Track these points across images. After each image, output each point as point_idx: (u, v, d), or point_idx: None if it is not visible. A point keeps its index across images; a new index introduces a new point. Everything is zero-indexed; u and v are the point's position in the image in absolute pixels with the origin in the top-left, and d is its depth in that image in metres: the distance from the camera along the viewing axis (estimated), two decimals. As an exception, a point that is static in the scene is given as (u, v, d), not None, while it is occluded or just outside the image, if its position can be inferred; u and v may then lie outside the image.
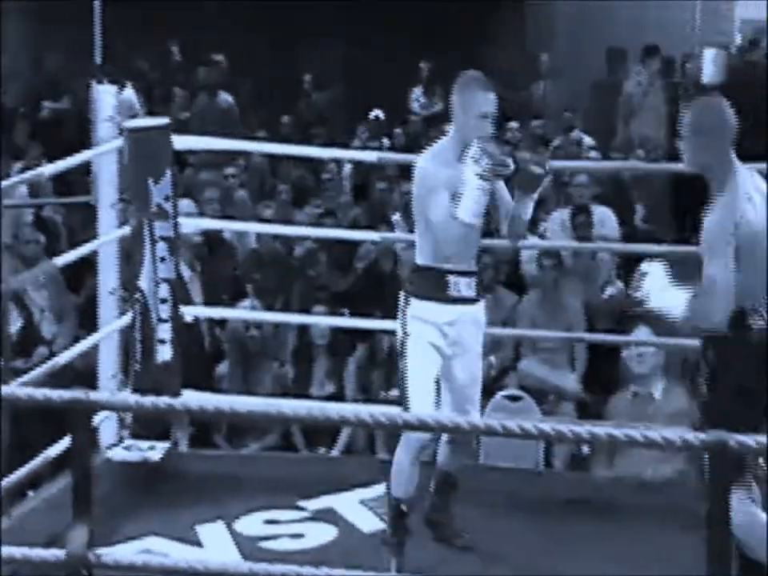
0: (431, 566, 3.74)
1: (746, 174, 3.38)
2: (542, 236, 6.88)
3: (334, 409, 2.94)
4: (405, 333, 3.68)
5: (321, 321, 5.79)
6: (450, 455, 3.89)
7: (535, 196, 3.62)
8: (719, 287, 3.20)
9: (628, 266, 6.40)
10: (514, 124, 8.80)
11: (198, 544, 4.06)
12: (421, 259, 3.66)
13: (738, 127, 3.39)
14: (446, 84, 10.91)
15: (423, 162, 3.62)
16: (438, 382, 3.70)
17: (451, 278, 3.62)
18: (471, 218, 3.50)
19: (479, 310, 3.73)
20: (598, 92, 9.26)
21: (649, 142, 8.15)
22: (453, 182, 3.51)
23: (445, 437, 3.84)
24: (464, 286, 3.64)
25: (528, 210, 3.64)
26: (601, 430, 2.57)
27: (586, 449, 5.28)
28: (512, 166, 3.51)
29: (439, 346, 3.66)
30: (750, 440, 2.37)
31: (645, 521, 4.11)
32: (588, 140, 8.40)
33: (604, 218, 6.87)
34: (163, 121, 4.95)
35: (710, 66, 9.10)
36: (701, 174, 3.45)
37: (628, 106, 8.65)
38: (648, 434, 2.60)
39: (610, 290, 6.18)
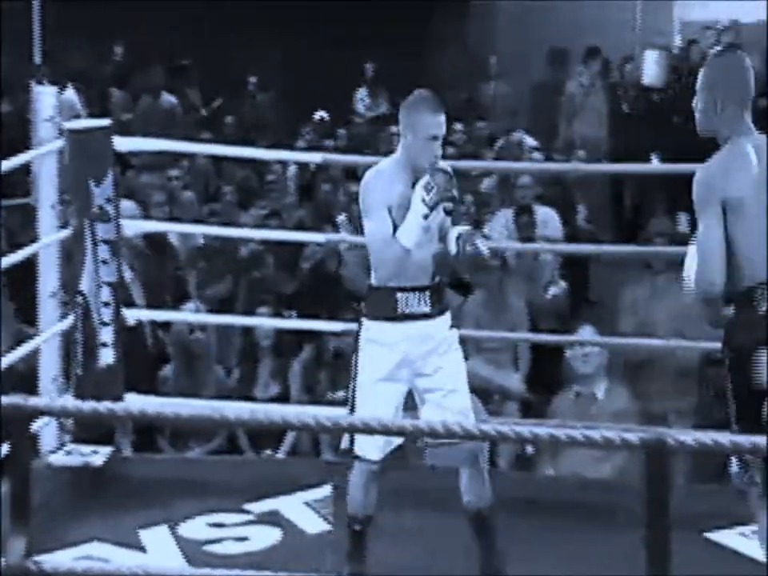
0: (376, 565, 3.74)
1: (754, 142, 3.24)
2: (485, 236, 6.91)
3: (278, 412, 2.95)
4: (357, 357, 3.59)
5: (266, 322, 5.77)
6: (473, 491, 3.64)
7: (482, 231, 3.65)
8: (703, 248, 3.08)
9: (571, 266, 6.46)
10: (458, 125, 8.84)
11: (142, 549, 4.03)
12: (373, 279, 3.58)
13: (751, 89, 3.28)
14: (391, 85, 10.96)
15: (366, 179, 3.55)
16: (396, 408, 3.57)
17: (400, 295, 3.52)
18: (411, 244, 3.43)
19: (438, 324, 3.58)
20: (540, 93, 9.32)
21: (590, 143, 8.24)
22: (394, 202, 3.45)
23: (463, 476, 3.63)
24: (415, 302, 3.53)
25: (484, 246, 3.52)
26: (542, 429, 2.59)
27: (530, 449, 5.31)
28: (456, 201, 3.50)
29: (397, 371, 3.53)
30: (689, 438, 2.40)
31: (587, 519, 4.15)
32: (530, 141, 8.45)
33: (547, 218, 6.92)
34: (104, 122, 4.91)
35: (651, 67, 9.20)
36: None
37: (570, 107, 8.72)
38: (588, 433, 2.62)
39: (553, 290, 6.22)
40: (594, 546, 3.95)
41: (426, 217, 3.41)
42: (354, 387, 3.58)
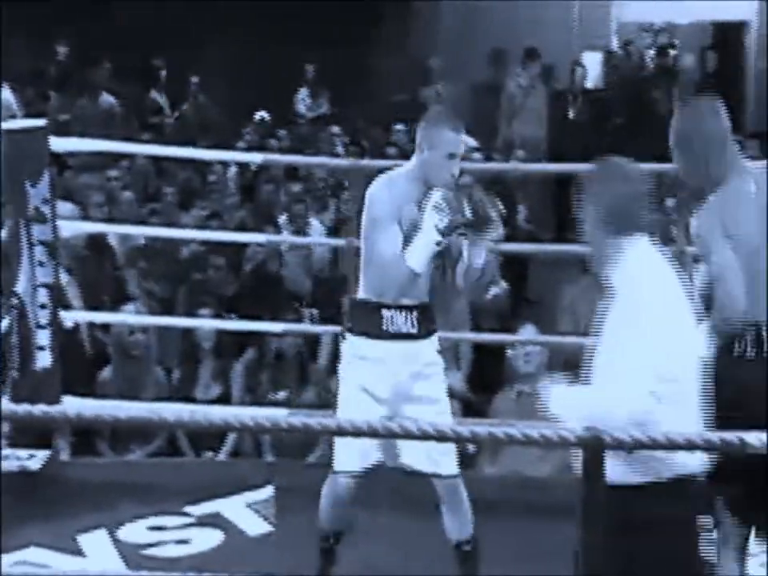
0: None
1: (750, 178, 3.15)
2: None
3: (218, 414, 2.93)
4: (340, 372, 3.50)
5: (207, 324, 5.74)
6: (453, 522, 3.54)
7: (488, 243, 3.43)
8: (727, 272, 3.01)
9: (511, 266, 6.49)
10: (400, 126, 8.85)
11: (80, 554, 3.98)
12: (360, 291, 3.43)
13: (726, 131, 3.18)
14: (332, 85, 10.93)
15: (376, 188, 3.38)
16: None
17: (386, 313, 3.37)
18: (420, 268, 3.30)
19: (424, 346, 3.44)
20: (480, 93, 9.37)
21: (529, 143, 8.29)
22: (405, 218, 3.31)
23: (444, 506, 3.52)
24: (401, 321, 3.39)
25: (480, 258, 3.42)
26: (482, 428, 2.61)
27: (472, 447, 5.33)
28: (470, 222, 3.34)
29: (380, 388, 3.41)
30: (626, 435, 2.43)
31: (528, 517, 4.17)
32: (471, 141, 8.48)
33: (488, 218, 6.94)
34: (40, 122, 4.85)
35: (591, 69, 9.31)
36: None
37: (509, 107, 8.77)
38: (527, 431, 2.64)
39: (494, 290, 6.23)
40: (535, 543, 3.97)
41: (438, 244, 3.27)
42: (336, 403, 3.50)
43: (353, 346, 3.44)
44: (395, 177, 3.41)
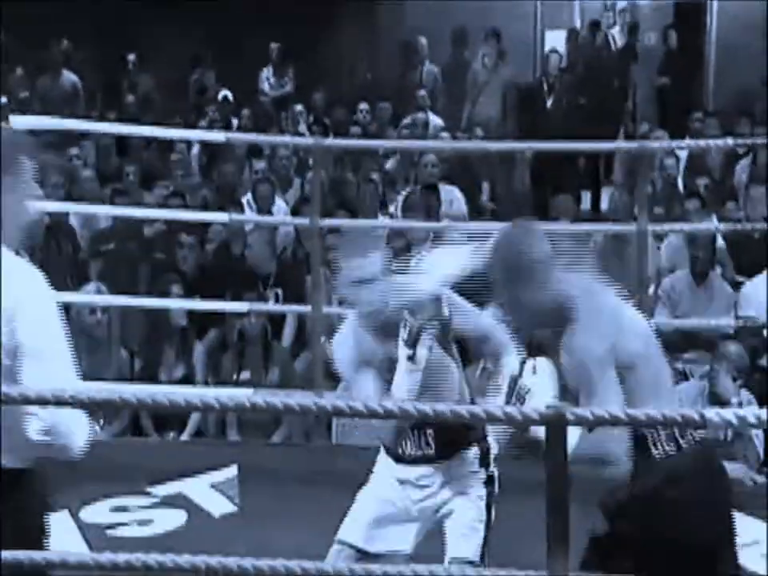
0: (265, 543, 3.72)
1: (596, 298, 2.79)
2: (391, 216, 6.92)
3: (180, 394, 2.90)
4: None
5: (170, 304, 5.69)
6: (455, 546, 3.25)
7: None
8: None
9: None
10: (363, 105, 8.83)
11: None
12: None
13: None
14: (296, 64, 10.83)
15: (336, 344, 3.26)
16: None
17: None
18: (406, 394, 3.06)
19: (443, 469, 3.20)
20: (447, 74, 9.35)
21: (493, 122, 8.30)
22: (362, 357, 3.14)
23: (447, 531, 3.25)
24: (413, 442, 3.20)
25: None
26: (444, 407, 2.60)
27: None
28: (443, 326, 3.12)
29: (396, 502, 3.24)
30: (587, 412, 2.43)
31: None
32: (437, 120, 8.48)
33: (451, 197, 6.95)
34: (0, 100, 4.78)
35: (556, 48, 9.30)
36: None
37: (474, 87, 8.76)
38: (489, 409, 2.64)
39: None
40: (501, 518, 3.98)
41: (410, 358, 3.05)
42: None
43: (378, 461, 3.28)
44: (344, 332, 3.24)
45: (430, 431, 3.16)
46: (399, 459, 3.21)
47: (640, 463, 2.73)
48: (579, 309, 2.74)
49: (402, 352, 3.05)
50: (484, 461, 3.22)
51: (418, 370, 3.06)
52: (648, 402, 2.67)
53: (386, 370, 3.12)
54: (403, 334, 3.04)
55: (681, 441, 2.78)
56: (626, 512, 2.79)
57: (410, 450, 3.18)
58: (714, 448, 2.91)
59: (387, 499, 3.23)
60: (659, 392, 2.78)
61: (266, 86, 10.03)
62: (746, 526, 4.17)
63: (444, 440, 3.17)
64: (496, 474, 3.23)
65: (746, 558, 3.93)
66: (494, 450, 3.23)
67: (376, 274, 3.09)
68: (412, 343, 3.04)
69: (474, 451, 3.22)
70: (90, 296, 5.55)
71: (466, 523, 3.18)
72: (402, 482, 3.22)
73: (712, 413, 2.32)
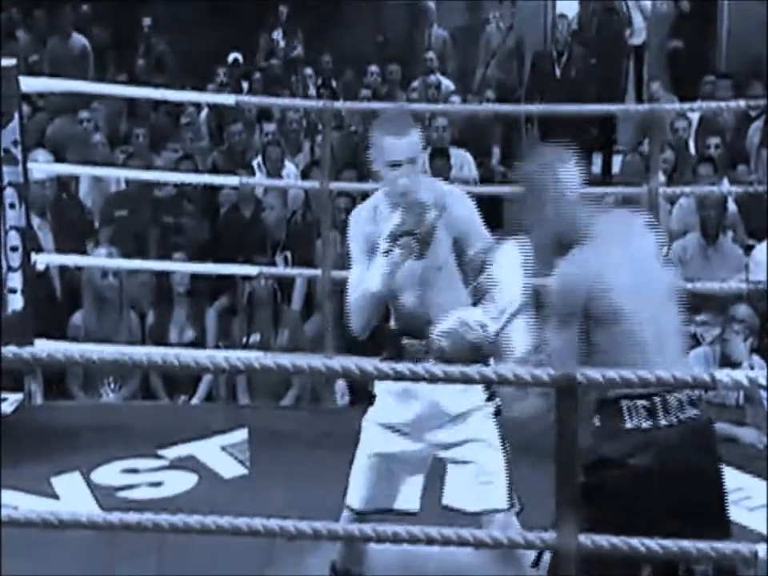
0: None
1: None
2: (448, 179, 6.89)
3: (190, 355, 2.90)
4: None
5: (180, 267, 5.69)
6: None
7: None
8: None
9: (484, 208, 6.47)
10: (373, 68, 8.77)
11: (55, 496, 3.99)
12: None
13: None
14: (305, 27, 10.75)
15: (350, 224, 3.18)
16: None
17: (407, 342, 3.10)
18: (375, 287, 3.01)
19: (453, 392, 3.05)
20: (459, 36, 9.30)
21: (505, 85, 8.25)
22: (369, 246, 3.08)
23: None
24: (421, 351, 3.06)
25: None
26: (454, 368, 2.60)
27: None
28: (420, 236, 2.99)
29: (405, 426, 3.11)
30: (598, 375, 2.43)
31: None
32: (447, 83, 8.42)
33: (462, 160, 6.92)
34: (10, 62, 4.76)
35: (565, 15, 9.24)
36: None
37: (487, 50, 8.71)
38: (500, 371, 2.64)
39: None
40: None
41: (386, 253, 3.00)
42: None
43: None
44: (367, 203, 3.18)
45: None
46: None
47: (608, 428, 2.75)
48: (587, 239, 2.80)
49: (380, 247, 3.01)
50: (489, 388, 3.12)
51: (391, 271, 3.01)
52: (623, 363, 2.62)
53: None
54: (386, 229, 3.01)
55: (661, 418, 2.73)
56: (591, 471, 2.74)
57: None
58: (703, 432, 2.80)
59: (385, 452, 3.12)
60: (646, 354, 2.74)
61: (275, 49, 9.98)
62: (756, 489, 4.19)
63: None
64: (500, 405, 3.15)
65: (757, 521, 3.95)
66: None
67: (416, 153, 3.02)
68: (390, 243, 3.00)
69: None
70: (101, 259, 5.55)
71: (488, 470, 3.05)
72: (405, 391, 3.06)
73: (723, 374, 2.31)
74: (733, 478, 4.26)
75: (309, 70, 9.01)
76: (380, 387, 3.16)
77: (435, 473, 3.14)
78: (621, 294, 2.76)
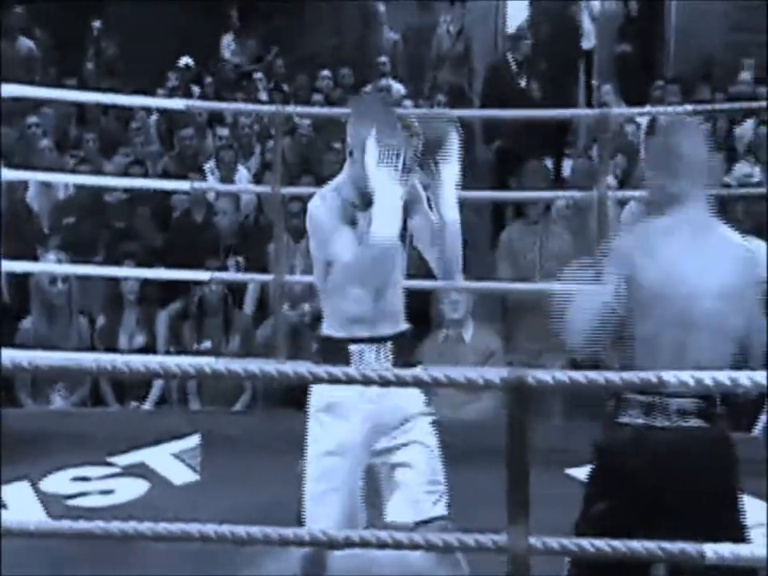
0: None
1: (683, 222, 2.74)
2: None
3: (140, 361, 2.87)
4: (307, 431, 3.01)
5: (130, 273, 5.65)
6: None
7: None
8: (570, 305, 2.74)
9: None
10: (325, 72, 8.77)
11: (2, 506, 3.93)
12: (324, 326, 3.00)
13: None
14: (257, 31, 10.67)
15: (313, 208, 2.96)
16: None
17: (354, 348, 2.92)
18: (391, 236, 2.82)
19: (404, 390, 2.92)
20: (410, 39, 9.31)
21: (456, 89, 8.26)
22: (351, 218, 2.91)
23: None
24: (372, 357, 2.93)
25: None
26: (406, 372, 2.60)
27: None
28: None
29: (353, 446, 2.96)
30: (548, 376, 2.44)
31: (455, 460, 4.19)
32: (398, 87, 8.43)
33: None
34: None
35: (517, 14, 9.28)
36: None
37: (438, 54, 8.73)
38: (451, 374, 2.64)
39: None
40: (462, 485, 3.99)
41: (397, 195, 2.80)
42: (304, 465, 3.05)
43: (315, 395, 2.97)
44: (327, 189, 3.00)
45: (389, 343, 2.95)
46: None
47: (609, 420, 2.75)
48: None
49: (385, 188, 2.80)
50: (427, 393, 3.03)
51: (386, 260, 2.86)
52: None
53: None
54: (385, 169, 2.81)
55: (658, 419, 2.69)
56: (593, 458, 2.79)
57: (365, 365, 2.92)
58: (707, 446, 2.71)
59: (338, 483, 2.96)
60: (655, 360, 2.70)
61: (227, 54, 9.95)
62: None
63: (403, 356, 2.97)
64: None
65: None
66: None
67: (399, 141, 2.84)
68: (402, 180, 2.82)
69: None
70: (49, 265, 5.49)
71: (427, 478, 2.97)
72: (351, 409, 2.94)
73: (669, 375, 2.33)
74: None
75: (258, 74, 8.98)
76: (317, 410, 2.99)
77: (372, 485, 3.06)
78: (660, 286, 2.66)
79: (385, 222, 2.84)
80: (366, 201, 2.92)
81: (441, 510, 3.00)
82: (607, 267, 2.74)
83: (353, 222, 2.95)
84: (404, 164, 2.83)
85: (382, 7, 9.49)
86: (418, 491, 2.97)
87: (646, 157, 2.83)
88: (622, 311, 2.71)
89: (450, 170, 2.94)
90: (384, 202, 2.83)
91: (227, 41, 10.07)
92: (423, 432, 3.01)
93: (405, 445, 2.99)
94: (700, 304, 2.68)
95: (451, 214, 2.94)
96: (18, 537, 2.50)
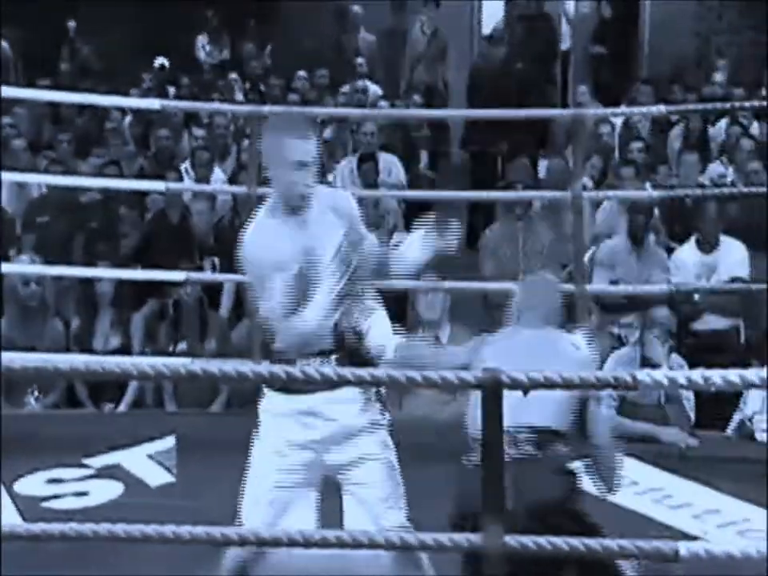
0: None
1: None
2: (330, 184, 6.90)
3: (114, 362, 2.87)
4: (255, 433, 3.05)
5: (105, 274, 5.63)
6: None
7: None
8: None
9: (413, 212, 6.50)
10: (302, 73, 8.76)
11: (-24, 508, 3.91)
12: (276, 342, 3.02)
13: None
14: (232, 32, 10.61)
15: (247, 240, 2.97)
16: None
17: (300, 362, 2.93)
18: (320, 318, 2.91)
19: (348, 399, 2.96)
20: (384, 40, 9.31)
21: (433, 89, 8.28)
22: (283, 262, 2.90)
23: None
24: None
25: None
26: (382, 372, 2.61)
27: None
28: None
29: (295, 450, 2.99)
30: (523, 376, 2.45)
31: (431, 460, 4.20)
32: (375, 88, 8.43)
33: (390, 165, 6.94)
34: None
35: (492, 16, 9.30)
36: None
37: (413, 54, 8.74)
38: (427, 374, 2.65)
39: (397, 236, 6.25)
40: (437, 484, 4.00)
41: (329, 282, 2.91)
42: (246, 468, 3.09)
43: (264, 401, 3.03)
44: (260, 216, 3.00)
45: (334, 356, 2.97)
46: (293, 390, 2.93)
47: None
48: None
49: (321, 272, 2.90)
50: (381, 400, 3.05)
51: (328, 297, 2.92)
52: None
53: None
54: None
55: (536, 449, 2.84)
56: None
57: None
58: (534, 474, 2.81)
59: (281, 467, 2.99)
60: None
61: (202, 54, 9.92)
62: (679, 489, 4.26)
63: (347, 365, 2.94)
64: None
65: (679, 519, 4.02)
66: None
67: (312, 158, 2.93)
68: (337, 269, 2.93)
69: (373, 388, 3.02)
70: (23, 266, 5.47)
71: (386, 491, 3.00)
72: (297, 413, 2.96)
73: (643, 374, 2.34)
74: (654, 476, 4.35)
75: (233, 75, 8.96)
76: (268, 411, 3.02)
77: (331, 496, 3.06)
78: None
79: (317, 307, 2.91)
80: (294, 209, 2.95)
81: (400, 519, 3.01)
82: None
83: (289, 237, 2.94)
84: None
85: (356, 8, 9.49)
86: (376, 508, 2.98)
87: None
88: None
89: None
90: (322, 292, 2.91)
91: (201, 41, 10.03)
92: (376, 445, 3.02)
93: (360, 460, 3.00)
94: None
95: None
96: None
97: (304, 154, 2.93)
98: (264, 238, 2.95)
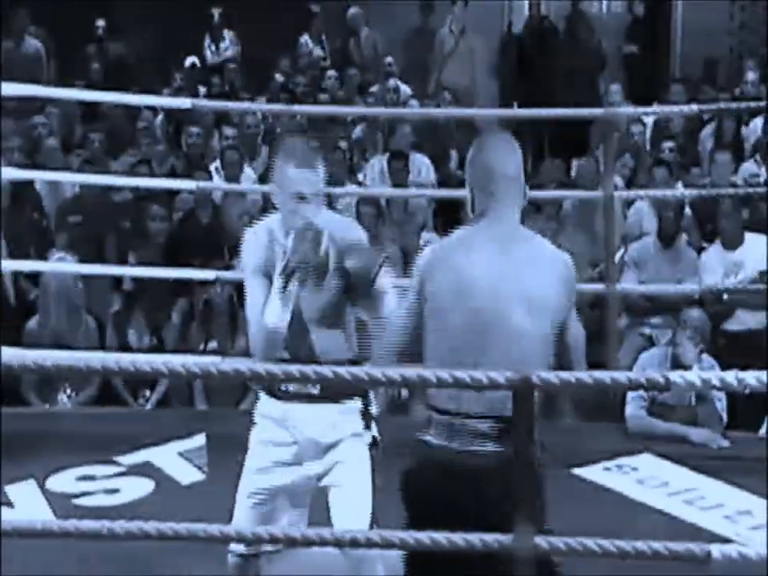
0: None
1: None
2: (360, 183, 6.91)
3: (146, 361, 2.88)
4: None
5: (137, 272, 5.66)
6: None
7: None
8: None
9: (444, 212, 6.51)
10: (332, 72, 8.76)
11: (9, 504, 3.94)
12: None
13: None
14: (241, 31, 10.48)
15: (245, 242, 3.06)
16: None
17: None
18: (272, 322, 2.93)
19: (333, 412, 3.02)
20: (413, 40, 9.30)
21: (459, 89, 8.26)
22: (265, 267, 2.99)
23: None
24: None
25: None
26: (411, 372, 2.61)
27: (405, 392, 5.35)
28: (315, 267, 2.93)
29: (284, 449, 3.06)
30: (553, 376, 2.44)
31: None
32: (405, 88, 8.43)
33: (421, 164, 6.94)
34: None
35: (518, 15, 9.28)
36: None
37: (441, 54, 8.72)
38: (457, 374, 2.64)
39: (426, 236, 6.25)
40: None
41: (282, 289, 2.93)
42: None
43: (259, 402, 3.12)
44: (262, 224, 3.08)
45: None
46: (280, 396, 3.03)
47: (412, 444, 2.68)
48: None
49: (276, 282, 2.93)
50: (366, 418, 3.06)
51: (287, 305, 2.94)
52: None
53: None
54: (280, 264, 2.93)
55: (456, 440, 2.62)
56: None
57: (293, 385, 3.00)
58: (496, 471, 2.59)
59: (267, 487, 3.07)
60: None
61: (219, 53, 9.86)
62: (711, 490, 4.23)
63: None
64: (378, 436, 3.09)
65: (710, 520, 4.00)
66: (375, 409, 3.10)
67: (316, 191, 2.95)
68: (285, 278, 2.92)
69: (358, 404, 3.04)
70: (59, 264, 5.50)
71: (354, 497, 3.01)
72: (280, 420, 3.03)
73: (676, 375, 2.33)
74: (686, 477, 4.33)
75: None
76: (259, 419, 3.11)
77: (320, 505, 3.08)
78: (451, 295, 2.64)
79: (269, 310, 2.93)
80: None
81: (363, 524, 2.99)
82: (409, 284, 2.75)
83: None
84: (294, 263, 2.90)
85: (353, 10, 9.48)
86: (344, 509, 2.99)
87: (467, 173, 2.84)
88: (416, 326, 2.71)
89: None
90: (273, 295, 2.93)
91: (208, 40, 9.99)
92: (349, 453, 3.04)
93: (333, 466, 3.03)
94: (499, 310, 2.63)
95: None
96: (25, 536, 2.50)
97: (307, 186, 2.94)
98: (263, 245, 3.01)
